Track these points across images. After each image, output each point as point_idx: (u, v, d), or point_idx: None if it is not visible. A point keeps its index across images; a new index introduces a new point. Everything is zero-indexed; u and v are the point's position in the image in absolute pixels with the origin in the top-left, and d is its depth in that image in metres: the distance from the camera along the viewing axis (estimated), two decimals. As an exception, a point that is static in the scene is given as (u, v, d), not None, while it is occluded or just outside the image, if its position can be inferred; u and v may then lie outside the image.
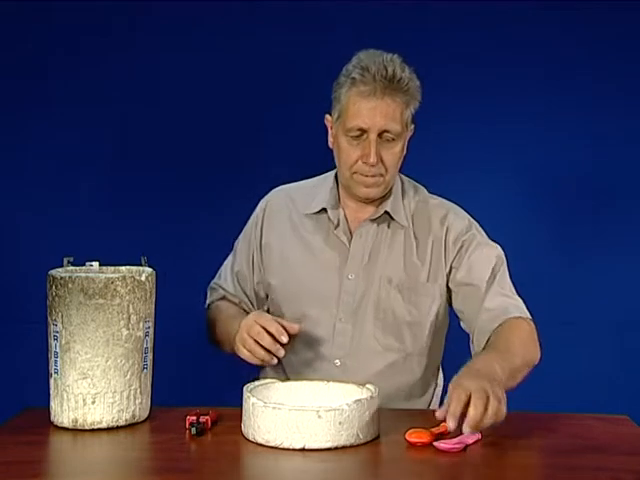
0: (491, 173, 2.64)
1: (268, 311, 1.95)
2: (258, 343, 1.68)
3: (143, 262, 1.71)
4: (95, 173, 2.65)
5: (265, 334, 1.68)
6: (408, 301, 1.86)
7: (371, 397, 1.53)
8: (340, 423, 1.47)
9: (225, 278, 2.02)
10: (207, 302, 2.05)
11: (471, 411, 1.42)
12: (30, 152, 2.64)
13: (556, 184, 2.66)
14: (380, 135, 1.78)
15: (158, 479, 1.39)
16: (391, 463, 1.45)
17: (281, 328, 1.68)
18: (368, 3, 2.60)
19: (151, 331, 1.64)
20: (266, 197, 2.03)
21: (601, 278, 2.67)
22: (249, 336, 1.69)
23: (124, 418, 1.60)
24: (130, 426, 1.61)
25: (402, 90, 1.78)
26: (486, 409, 1.43)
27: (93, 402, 1.58)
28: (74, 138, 2.64)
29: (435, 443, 1.48)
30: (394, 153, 1.81)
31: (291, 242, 1.93)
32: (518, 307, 1.82)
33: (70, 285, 1.56)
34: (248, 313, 1.85)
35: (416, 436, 1.50)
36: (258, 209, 2.02)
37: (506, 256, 1.93)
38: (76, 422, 1.59)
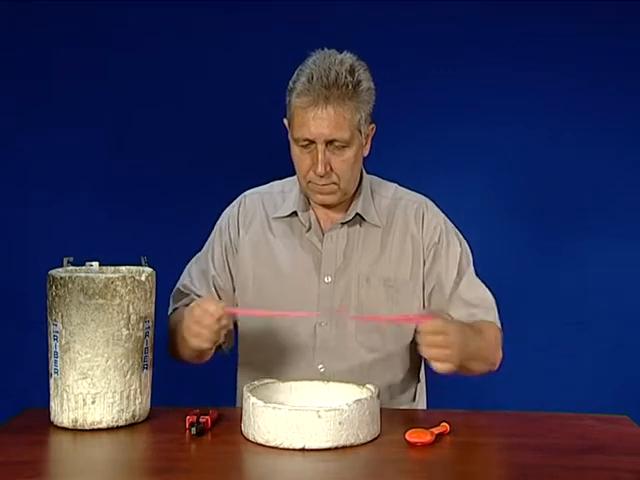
0: (480, 174, 2.67)
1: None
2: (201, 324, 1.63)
3: (143, 262, 1.71)
4: (95, 173, 2.66)
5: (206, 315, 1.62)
6: (390, 299, 1.84)
7: (371, 397, 1.54)
8: (340, 423, 1.47)
9: (197, 284, 1.92)
10: (172, 307, 1.92)
11: (432, 348, 1.59)
12: (30, 152, 2.65)
13: (541, 184, 2.68)
14: (330, 143, 1.73)
15: (158, 479, 1.39)
16: (391, 463, 1.45)
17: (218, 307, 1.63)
18: (362, 3, 2.62)
19: (151, 331, 1.64)
20: (238, 200, 1.97)
21: (601, 279, 2.67)
22: (195, 323, 1.63)
23: (124, 418, 1.60)
24: (130, 426, 1.61)
25: (348, 96, 1.71)
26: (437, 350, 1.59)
27: (93, 402, 1.58)
28: (74, 138, 2.64)
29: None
30: (345, 160, 1.76)
31: (266, 247, 1.90)
32: (486, 313, 1.86)
33: (70, 285, 1.56)
34: None
35: (416, 436, 1.50)
36: (230, 213, 1.95)
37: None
38: (76, 422, 1.58)
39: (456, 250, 1.90)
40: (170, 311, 1.92)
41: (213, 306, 1.63)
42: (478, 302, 1.87)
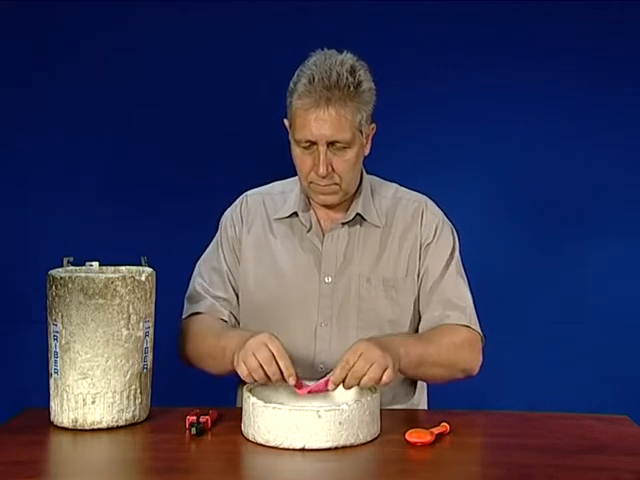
0: (480, 174, 2.67)
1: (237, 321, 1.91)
2: (261, 367, 1.59)
3: (143, 262, 1.71)
4: (95, 173, 2.66)
5: (274, 363, 1.59)
6: (390, 298, 1.85)
7: (371, 397, 1.53)
8: (340, 423, 1.47)
9: (210, 282, 1.91)
10: (190, 311, 1.89)
11: (353, 369, 1.58)
12: (30, 152, 2.65)
13: (541, 184, 2.69)
14: (331, 144, 1.74)
15: (158, 479, 1.39)
16: (391, 463, 1.45)
17: (291, 367, 1.59)
18: (362, 3, 2.62)
19: (151, 331, 1.64)
20: (240, 200, 1.97)
21: (600, 279, 2.67)
22: (255, 357, 1.59)
23: (124, 418, 1.60)
24: (130, 426, 1.61)
25: (349, 97, 1.71)
26: (367, 372, 1.57)
27: (93, 402, 1.58)
28: (74, 138, 2.64)
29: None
30: (347, 160, 1.76)
31: (266, 248, 1.90)
32: (461, 315, 1.84)
33: (70, 285, 1.56)
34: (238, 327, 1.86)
35: (416, 436, 1.50)
36: (232, 212, 1.95)
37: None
38: (76, 422, 1.59)
39: (447, 248, 1.90)
40: (186, 314, 1.90)
41: (285, 361, 1.59)
42: (456, 302, 1.86)
